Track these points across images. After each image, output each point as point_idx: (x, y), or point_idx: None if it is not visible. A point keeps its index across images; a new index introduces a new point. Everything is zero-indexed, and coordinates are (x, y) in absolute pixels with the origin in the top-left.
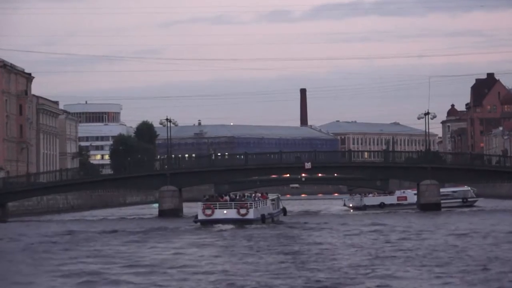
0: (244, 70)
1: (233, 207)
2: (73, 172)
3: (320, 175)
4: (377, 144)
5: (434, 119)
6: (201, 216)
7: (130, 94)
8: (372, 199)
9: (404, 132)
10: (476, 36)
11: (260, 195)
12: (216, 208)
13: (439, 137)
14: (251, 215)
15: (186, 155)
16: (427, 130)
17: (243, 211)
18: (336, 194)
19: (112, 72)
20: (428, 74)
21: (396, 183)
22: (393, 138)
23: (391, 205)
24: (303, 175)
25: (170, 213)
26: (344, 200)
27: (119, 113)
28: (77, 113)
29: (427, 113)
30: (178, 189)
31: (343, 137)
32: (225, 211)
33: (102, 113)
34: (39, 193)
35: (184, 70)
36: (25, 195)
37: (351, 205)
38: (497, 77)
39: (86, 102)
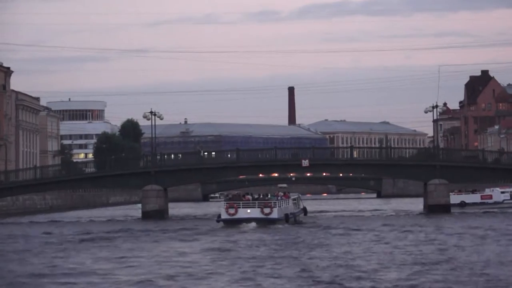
0: (232, 68)
1: (256, 206)
2: (53, 170)
3: (308, 174)
4: (367, 143)
5: (427, 116)
6: (224, 216)
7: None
8: (452, 198)
9: (394, 131)
10: (463, 36)
11: (282, 194)
12: (240, 207)
13: (429, 137)
14: (275, 214)
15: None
16: (434, 126)
17: (267, 210)
18: (325, 194)
19: (100, 71)
20: (420, 73)
21: (390, 183)
22: (386, 137)
23: (474, 204)
24: (292, 174)
25: (155, 214)
26: None
27: (103, 110)
28: (60, 110)
29: (436, 106)
30: (164, 189)
31: (331, 136)
32: (248, 210)
33: (86, 110)
34: (15, 192)
35: (171, 69)
36: None
37: None
38: (491, 74)
39: (69, 99)
